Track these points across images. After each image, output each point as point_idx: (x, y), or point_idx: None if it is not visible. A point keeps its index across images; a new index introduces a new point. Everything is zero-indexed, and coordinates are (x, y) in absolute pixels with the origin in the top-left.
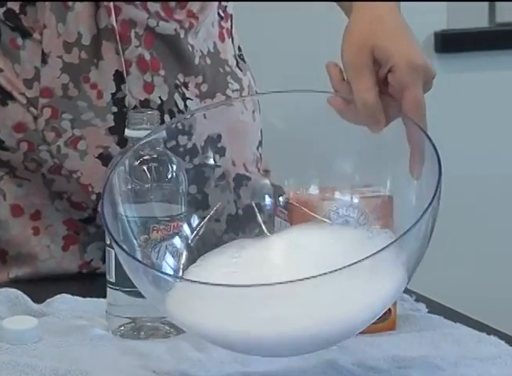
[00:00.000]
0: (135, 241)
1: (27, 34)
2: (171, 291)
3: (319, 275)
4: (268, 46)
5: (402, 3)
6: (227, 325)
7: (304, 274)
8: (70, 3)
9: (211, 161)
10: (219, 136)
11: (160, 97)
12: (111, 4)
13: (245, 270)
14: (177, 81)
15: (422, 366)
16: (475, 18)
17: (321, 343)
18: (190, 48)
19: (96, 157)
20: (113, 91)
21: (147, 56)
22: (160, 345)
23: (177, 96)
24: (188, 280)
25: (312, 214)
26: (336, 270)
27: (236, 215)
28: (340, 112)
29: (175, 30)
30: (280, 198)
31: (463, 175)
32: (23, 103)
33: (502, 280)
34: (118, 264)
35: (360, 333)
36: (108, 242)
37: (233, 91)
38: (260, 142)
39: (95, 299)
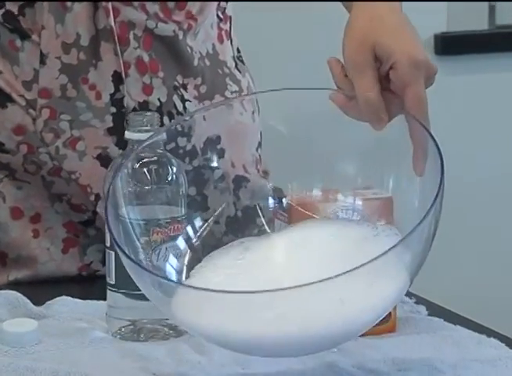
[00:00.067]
0: (137, 244)
1: (26, 35)
2: (175, 295)
3: (321, 280)
4: (267, 47)
5: (402, 4)
6: (229, 327)
7: (308, 275)
8: (69, 4)
9: (211, 163)
10: (218, 138)
11: (159, 99)
12: (109, 5)
13: (249, 272)
14: (176, 83)
15: (422, 368)
16: (475, 20)
17: (323, 344)
18: (189, 50)
19: (95, 158)
20: (112, 91)
21: (146, 58)
22: (160, 347)
23: (176, 98)
24: (191, 286)
25: (312, 215)
26: (338, 275)
27: (235, 216)
28: (342, 108)
29: (174, 31)
30: (280, 200)
31: (462, 177)
32: (23, 105)
33: (502, 282)
34: (118, 266)
35: (360, 335)
36: (108, 244)
37: (232, 92)
38: (259, 144)
39: (95, 301)
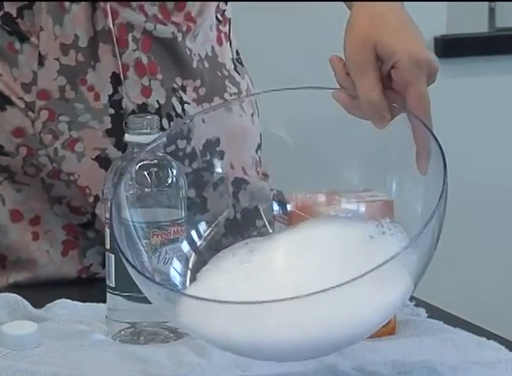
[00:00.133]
0: (140, 246)
1: (25, 38)
2: (180, 302)
3: (324, 290)
4: (267, 47)
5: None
6: (234, 333)
7: (314, 278)
8: (67, 5)
9: (210, 165)
10: (218, 140)
11: (157, 101)
12: (107, 6)
13: (254, 276)
14: (175, 85)
15: (422, 371)
16: (475, 23)
17: (326, 349)
18: (188, 52)
19: (93, 159)
20: (110, 93)
21: (145, 60)
22: (160, 350)
23: (174, 100)
24: (194, 296)
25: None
26: (344, 283)
27: (235, 218)
28: (345, 107)
29: (173, 33)
30: (279, 202)
31: (462, 179)
32: (22, 107)
33: (502, 285)
34: (118, 269)
35: None
36: (108, 247)
37: (231, 94)
38: (259, 146)
39: (95, 304)
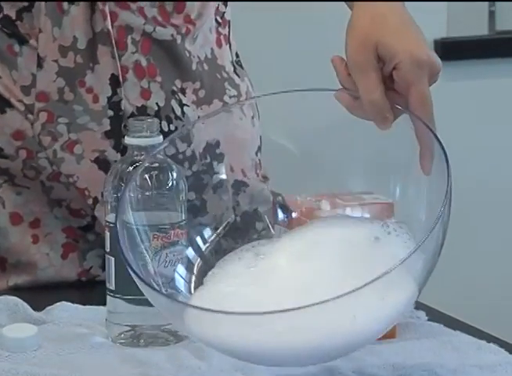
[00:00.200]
0: (143, 249)
1: (24, 40)
2: (186, 311)
3: (325, 301)
4: (267, 47)
5: None
6: (237, 340)
7: (320, 283)
8: (66, 7)
9: (210, 168)
10: (217, 143)
11: (157, 103)
12: (106, 8)
13: (260, 281)
14: (174, 87)
15: (422, 373)
16: (475, 26)
17: (330, 354)
18: (187, 54)
19: (92, 161)
20: (109, 95)
21: (144, 62)
22: (160, 352)
23: (174, 102)
24: (198, 307)
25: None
26: (347, 293)
27: (235, 221)
28: (347, 108)
29: (172, 35)
30: (280, 206)
31: (462, 182)
32: (21, 110)
33: (502, 288)
34: (118, 272)
35: None
36: (108, 249)
37: (231, 97)
38: (259, 148)
39: (95, 307)
